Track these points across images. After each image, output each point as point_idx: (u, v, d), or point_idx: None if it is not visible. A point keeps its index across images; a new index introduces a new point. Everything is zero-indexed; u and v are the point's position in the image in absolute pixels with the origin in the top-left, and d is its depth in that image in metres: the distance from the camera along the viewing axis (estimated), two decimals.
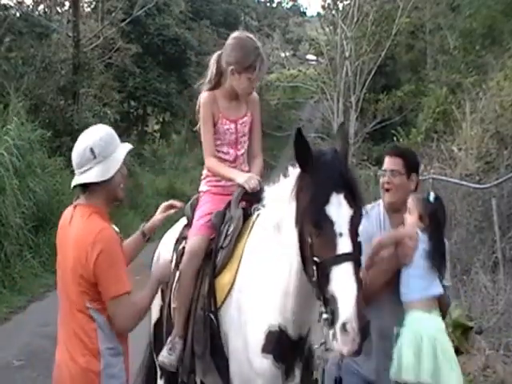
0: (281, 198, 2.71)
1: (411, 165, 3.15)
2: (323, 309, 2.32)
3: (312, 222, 2.37)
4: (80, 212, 2.74)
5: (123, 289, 2.68)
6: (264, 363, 2.74)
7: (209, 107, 3.26)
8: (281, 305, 2.71)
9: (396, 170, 3.10)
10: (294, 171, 2.66)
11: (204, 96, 3.29)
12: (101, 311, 2.68)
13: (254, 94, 3.38)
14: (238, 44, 3.19)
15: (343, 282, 2.27)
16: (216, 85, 3.29)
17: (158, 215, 3.26)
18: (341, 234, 2.34)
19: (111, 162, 2.72)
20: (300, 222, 2.46)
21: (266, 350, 2.74)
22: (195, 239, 3.18)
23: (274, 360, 2.74)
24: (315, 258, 2.35)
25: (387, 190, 3.12)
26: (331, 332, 2.28)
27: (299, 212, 2.48)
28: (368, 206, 3.09)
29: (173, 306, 3.26)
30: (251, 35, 3.30)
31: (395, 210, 3.10)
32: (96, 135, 2.74)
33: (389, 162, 3.15)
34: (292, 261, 2.59)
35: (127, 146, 2.83)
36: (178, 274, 3.24)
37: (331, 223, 2.34)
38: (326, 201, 2.36)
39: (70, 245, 2.72)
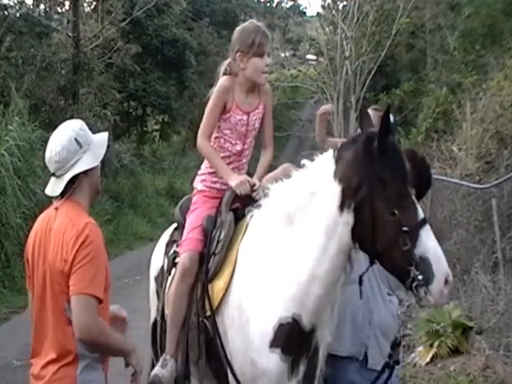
0: (297, 191, 2.77)
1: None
2: (416, 272, 2.48)
3: (401, 196, 2.56)
4: (65, 210, 2.63)
5: (94, 291, 2.49)
6: (270, 359, 2.72)
7: (225, 92, 3.17)
8: (300, 293, 2.71)
9: None
10: (314, 163, 2.80)
11: (224, 79, 3.20)
12: None
13: (267, 86, 3.32)
14: (239, 30, 3.17)
15: (431, 242, 2.53)
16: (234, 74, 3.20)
17: None
18: (416, 202, 2.61)
19: (95, 147, 2.70)
20: (374, 202, 2.56)
21: (274, 344, 2.73)
22: (187, 256, 3.10)
23: (282, 353, 2.73)
24: (404, 228, 2.51)
25: None
26: (423, 290, 2.49)
27: (375, 192, 2.57)
28: None
29: (166, 312, 3.24)
30: (254, 21, 3.26)
31: None
32: (74, 126, 2.70)
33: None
34: (326, 246, 2.66)
35: (106, 133, 2.83)
36: (169, 279, 3.24)
37: (411, 193, 2.61)
38: (406, 174, 2.60)
39: (50, 245, 2.59)
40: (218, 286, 2.95)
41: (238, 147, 3.24)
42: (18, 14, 16.56)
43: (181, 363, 3.08)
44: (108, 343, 2.56)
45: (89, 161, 2.65)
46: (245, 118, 3.21)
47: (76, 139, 2.63)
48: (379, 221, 2.55)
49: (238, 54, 3.12)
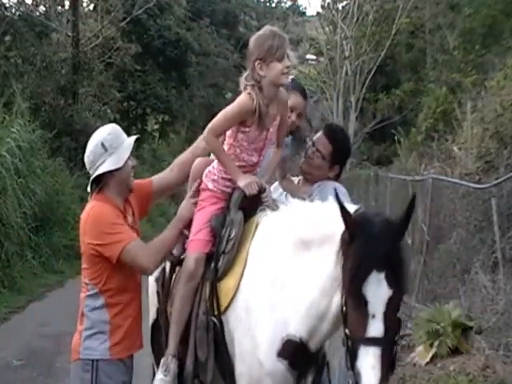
0: (320, 220, 2.67)
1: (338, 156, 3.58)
2: (352, 378, 2.29)
3: (348, 296, 2.32)
4: (90, 204, 3.09)
5: (124, 241, 2.96)
6: (278, 366, 2.72)
7: (246, 114, 3.04)
8: (310, 322, 2.64)
9: (322, 152, 3.55)
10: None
11: (247, 99, 3.04)
12: (95, 284, 3.06)
13: (284, 93, 3.21)
14: (254, 38, 3.06)
15: (368, 367, 2.23)
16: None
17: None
18: (373, 316, 2.26)
19: (122, 151, 3.05)
20: (344, 284, 2.38)
21: (281, 355, 2.71)
22: (193, 258, 3.06)
23: (289, 366, 2.72)
24: (347, 330, 2.32)
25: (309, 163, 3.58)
26: None
27: (343, 275, 2.39)
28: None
29: (169, 310, 3.22)
30: (269, 26, 3.17)
31: (306, 179, 3.61)
32: (104, 132, 3.07)
33: (320, 142, 3.57)
34: (331, 291, 2.53)
35: (133, 137, 3.17)
36: (173, 277, 3.22)
37: (365, 303, 2.26)
38: (364, 279, 2.26)
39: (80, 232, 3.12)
40: (227, 285, 2.93)
41: (254, 159, 3.19)
42: (17, 14, 16.56)
43: (190, 363, 3.04)
44: (165, 245, 3.11)
45: (112, 163, 3.01)
46: (264, 133, 3.15)
47: (102, 143, 3.01)
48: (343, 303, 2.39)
49: (257, 62, 3.01)
